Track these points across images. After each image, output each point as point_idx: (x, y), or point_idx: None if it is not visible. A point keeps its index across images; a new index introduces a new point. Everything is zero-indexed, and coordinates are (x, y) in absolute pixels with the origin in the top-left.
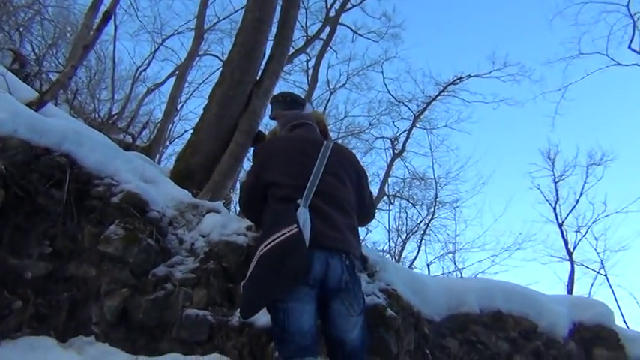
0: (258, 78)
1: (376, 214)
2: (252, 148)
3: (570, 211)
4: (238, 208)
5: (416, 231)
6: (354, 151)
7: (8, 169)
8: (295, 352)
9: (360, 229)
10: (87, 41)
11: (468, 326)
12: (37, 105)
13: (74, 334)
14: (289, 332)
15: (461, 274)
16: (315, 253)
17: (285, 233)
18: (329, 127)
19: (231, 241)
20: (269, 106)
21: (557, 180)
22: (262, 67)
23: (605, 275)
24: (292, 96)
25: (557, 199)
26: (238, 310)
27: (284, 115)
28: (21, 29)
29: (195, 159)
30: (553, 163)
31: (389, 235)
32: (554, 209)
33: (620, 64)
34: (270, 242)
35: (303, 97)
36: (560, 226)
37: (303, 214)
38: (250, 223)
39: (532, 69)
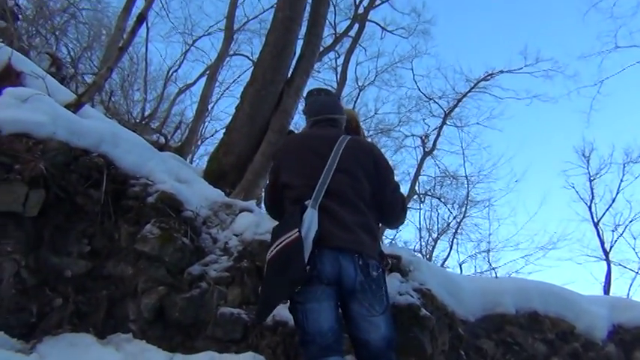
0: (289, 77)
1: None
2: None
3: (607, 210)
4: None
5: (447, 230)
6: (383, 149)
7: (49, 170)
8: (318, 352)
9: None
10: (122, 43)
11: (504, 327)
12: (74, 107)
13: (112, 331)
14: (310, 333)
15: (495, 273)
16: (325, 253)
17: (287, 239)
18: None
19: (264, 240)
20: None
21: (592, 178)
22: (293, 65)
23: None
24: (324, 92)
25: (593, 198)
26: None
27: (311, 102)
28: (57, 33)
29: (227, 159)
30: (588, 161)
31: (420, 234)
32: (590, 208)
33: None
34: (275, 248)
35: (334, 92)
36: (596, 225)
37: (309, 216)
38: None
39: (566, 64)
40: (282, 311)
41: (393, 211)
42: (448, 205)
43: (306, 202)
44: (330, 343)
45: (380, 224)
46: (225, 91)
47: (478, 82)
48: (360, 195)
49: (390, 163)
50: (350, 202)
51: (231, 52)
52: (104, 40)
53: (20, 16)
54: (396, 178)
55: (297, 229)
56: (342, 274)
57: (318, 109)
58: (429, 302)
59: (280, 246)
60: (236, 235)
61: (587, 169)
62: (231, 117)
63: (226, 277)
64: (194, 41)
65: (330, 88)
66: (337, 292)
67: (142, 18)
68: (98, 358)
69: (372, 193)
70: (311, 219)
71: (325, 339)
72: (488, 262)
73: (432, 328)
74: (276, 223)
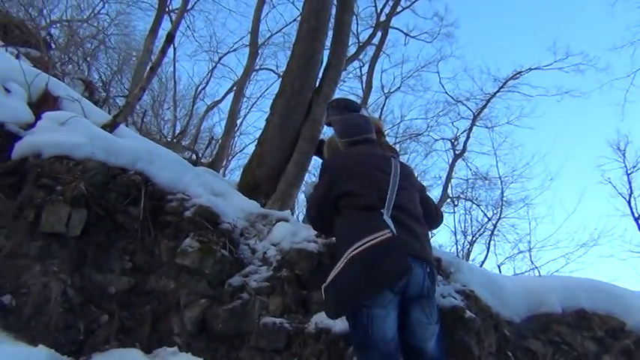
0: (317, 86)
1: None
2: (318, 158)
3: None
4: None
5: (482, 232)
6: (413, 154)
7: (88, 190)
8: (379, 357)
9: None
10: (153, 63)
11: (551, 326)
12: (110, 127)
13: (158, 345)
14: (373, 339)
15: (538, 272)
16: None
17: (379, 237)
18: (386, 132)
19: (302, 248)
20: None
21: (629, 172)
22: (320, 74)
23: None
24: (346, 101)
25: (632, 192)
26: (315, 316)
27: (338, 120)
28: (88, 59)
29: (261, 170)
30: (624, 154)
31: (455, 237)
32: (629, 202)
33: None
34: (362, 245)
35: (358, 102)
36: (636, 219)
37: (390, 223)
38: None
39: (596, 57)
40: (325, 319)
41: (437, 224)
42: (482, 207)
43: (381, 211)
44: (391, 352)
45: None
46: (253, 105)
47: (507, 81)
48: (417, 209)
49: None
50: (414, 216)
51: (257, 67)
52: (133, 63)
53: (53, 45)
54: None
55: (388, 230)
56: (410, 281)
57: (354, 130)
58: (473, 304)
59: (369, 244)
60: (274, 245)
61: (624, 162)
62: (262, 129)
63: (266, 287)
64: (220, 58)
65: (355, 96)
66: (401, 301)
67: (170, 38)
68: None
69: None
70: (392, 226)
71: (388, 347)
72: (531, 261)
73: (477, 330)
74: (314, 232)
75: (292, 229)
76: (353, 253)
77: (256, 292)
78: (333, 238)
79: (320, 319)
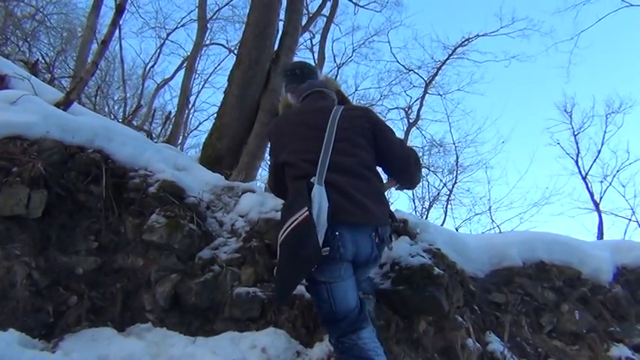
0: (274, 55)
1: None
2: None
3: (593, 162)
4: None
5: (439, 197)
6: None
7: (47, 170)
8: (347, 328)
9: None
10: (104, 37)
11: (513, 279)
12: (64, 105)
13: (131, 323)
14: (338, 312)
15: (500, 231)
16: (343, 232)
17: (297, 219)
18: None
19: (270, 217)
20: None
21: (576, 133)
22: (277, 44)
23: (637, 221)
24: (303, 66)
25: (579, 152)
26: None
27: (299, 88)
28: (28, 39)
29: (222, 143)
30: (571, 116)
31: (414, 203)
32: (577, 162)
33: (632, 4)
34: (285, 230)
35: (313, 65)
36: (584, 178)
37: (318, 194)
38: None
39: (541, 21)
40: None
41: (407, 166)
42: (438, 174)
43: (311, 180)
44: (357, 317)
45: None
46: (205, 82)
47: (455, 48)
48: (363, 163)
49: (387, 123)
50: (354, 172)
51: (207, 42)
52: (77, 43)
53: None
54: None
55: (306, 208)
56: (358, 252)
57: (305, 86)
58: (440, 261)
59: (291, 227)
60: (242, 217)
61: (571, 124)
62: (219, 103)
63: (237, 258)
64: (168, 34)
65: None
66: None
67: (120, 9)
68: (122, 348)
69: (376, 159)
70: (320, 196)
71: (353, 314)
72: (491, 219)
73: (446, 285)
74: (281, 201)
75: (259, 200)
76: (280, 239)
77: (227, 263)
78: None
79: None
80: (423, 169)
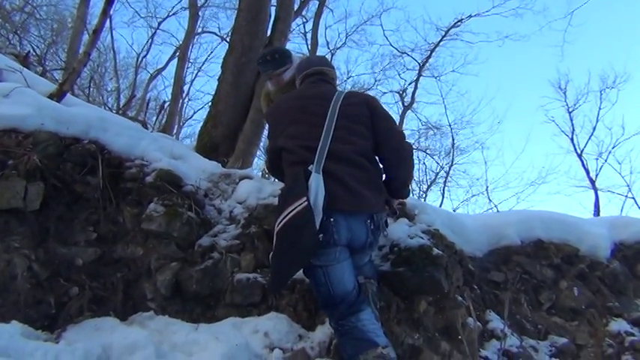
0: (267, 41)
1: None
2: None
3: (588, 139)
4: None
5: (436, 180)
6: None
7: (43, 162)
8: (346, 310)
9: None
10: (96, 26)
11: (511, 258)
12: (57, 96)
13: (133, 312)
14: (336, 295)
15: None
16: (337, 219)
17: (296, 208)
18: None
19: (269, 203)
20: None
21: (570, 110)
22: (270, 29)
23: (634, 198)
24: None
25: (574, 129)
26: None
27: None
28: (18, 32)
29: (217, 131)
30: (565, 93)
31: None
32: (572, 139)
33: None
34: (283, 219)
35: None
36: (579, 155)
37: (315, 182)
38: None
39: (534, 0)
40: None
41: (402, 158)
42: (435, 156)
43: (309, 168)
44: (356, 298)
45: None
46: (199, 71)
47: (448, 29)
48: (360, 150)
49: (388, 111)
50: (352, 161)
51: (199, 30)
52: (67, 35)
53: None
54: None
55: (305, 198)
56: (353, 238)
57: (306, 64)
58: (439, 242)
59: (290, 216)
60: (240, 203)
61: (565, 101)
62: (214, 91)
63: (237, 244)
64: (159, 24)
65: (301, 54)
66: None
67: None
68: (125, 337)
69: (374, 147)
70: (317, 185)
71: (351, 296)
72: (489, 199)
73: (445, 265)
74: (280, 185)
75: (257, 186)
76: (277, 228)
77: (227, 250)
78: None
79: None
80: (416, 162)
